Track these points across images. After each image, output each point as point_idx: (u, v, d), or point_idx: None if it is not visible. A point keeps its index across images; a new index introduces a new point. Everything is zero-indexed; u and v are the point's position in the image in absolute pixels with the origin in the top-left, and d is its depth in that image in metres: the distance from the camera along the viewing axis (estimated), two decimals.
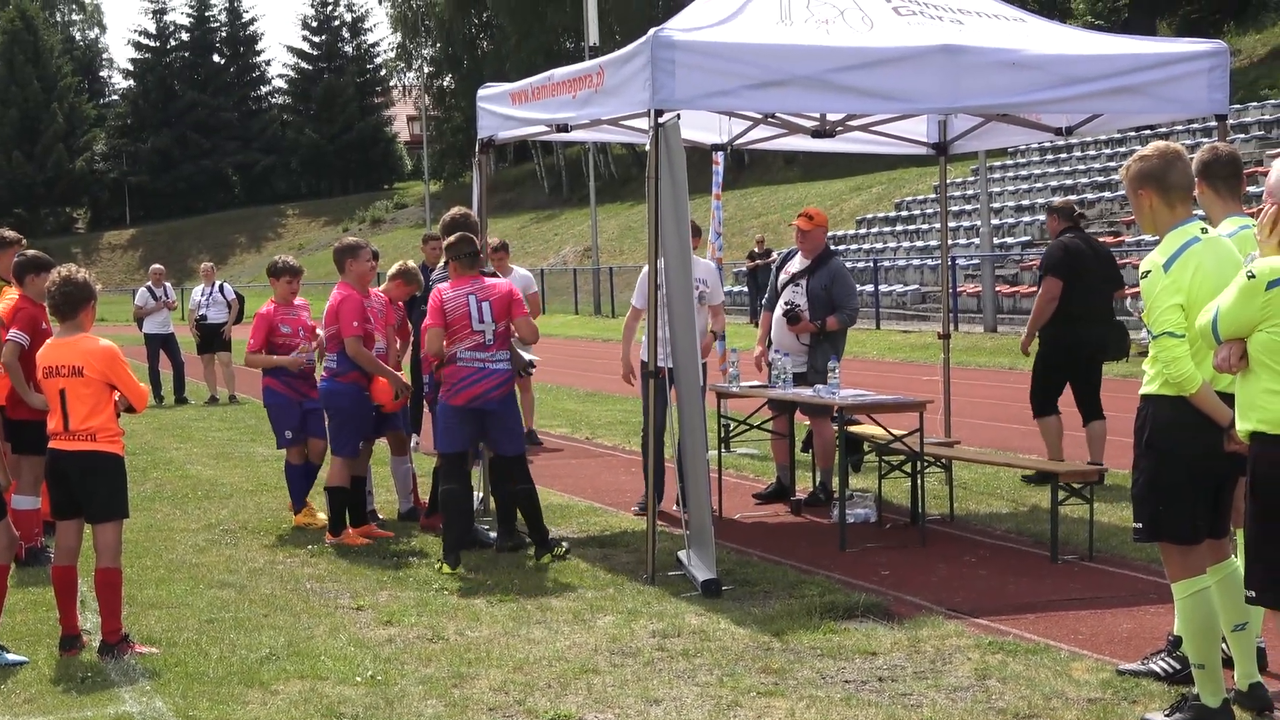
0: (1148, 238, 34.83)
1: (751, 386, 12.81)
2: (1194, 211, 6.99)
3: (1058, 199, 14.79)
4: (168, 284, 26.22)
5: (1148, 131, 40.43)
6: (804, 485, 13.55)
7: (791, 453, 13.38)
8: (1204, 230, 6.78)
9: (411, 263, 13.30)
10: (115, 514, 8.67)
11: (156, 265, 28.47)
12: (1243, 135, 39.72)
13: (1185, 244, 6.67)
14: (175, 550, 11.77)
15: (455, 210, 12.17)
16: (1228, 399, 6.47)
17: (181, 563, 11.28)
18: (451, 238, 11.25)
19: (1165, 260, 6.64)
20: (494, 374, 10.94)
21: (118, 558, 8.69)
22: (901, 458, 11.85)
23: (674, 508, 11.49)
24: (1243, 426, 6.16)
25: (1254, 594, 6.08)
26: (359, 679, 7.94)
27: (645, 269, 12.38)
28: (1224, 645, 7.00)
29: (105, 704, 7.67)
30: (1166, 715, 6.85)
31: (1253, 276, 6.05)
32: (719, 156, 18.57)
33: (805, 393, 12.21)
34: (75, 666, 8.38)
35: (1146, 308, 6.72)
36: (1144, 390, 6.85)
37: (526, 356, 13.65)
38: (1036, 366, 13.71)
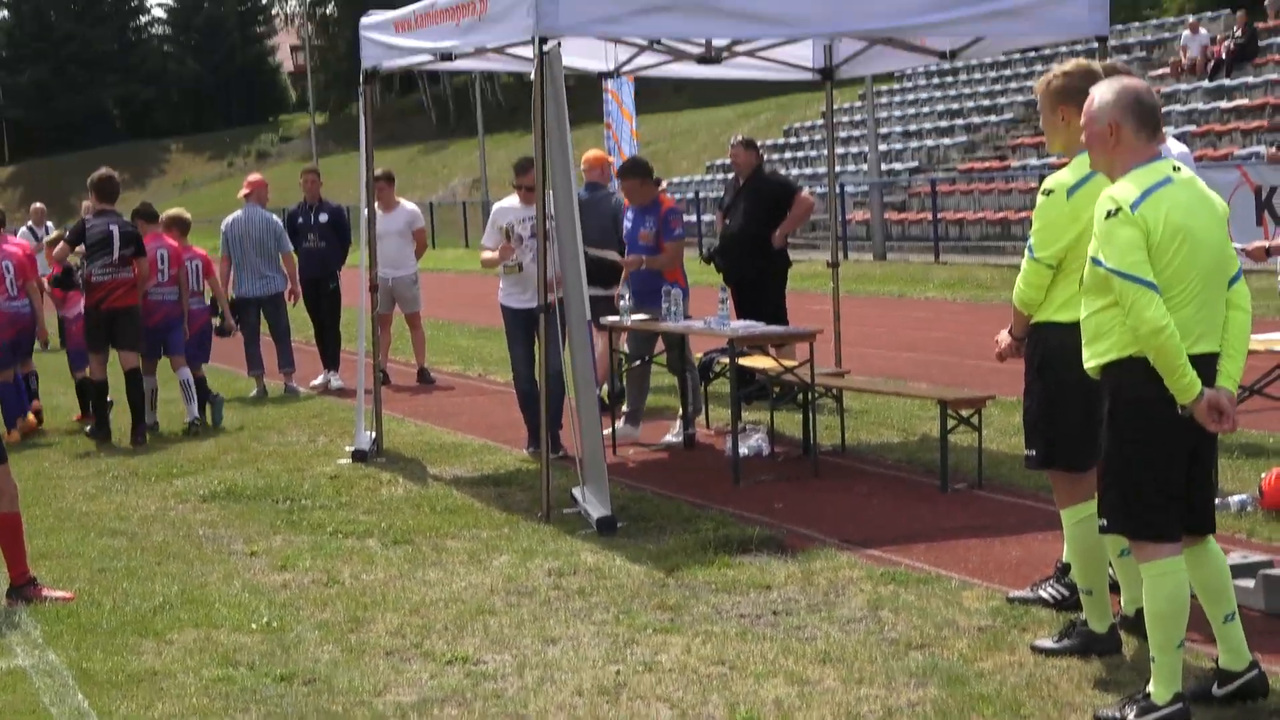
0: (1033, 161, 35.16)
1: (642, 320, 12.79)
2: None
3: (744, 135, 15.77)
4: (49, 223, 25.73)
5: (1032, 54, 40.83)
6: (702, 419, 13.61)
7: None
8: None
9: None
10: None
11: (37, 204, 27.95)
12: (1125, 56, 40.13)
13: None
14: (64, 498, 11.63)
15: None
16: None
17: (71, 511, 11.15)
18: None
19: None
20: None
21: (14, 502, 8.63)
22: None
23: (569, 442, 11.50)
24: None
25: (1105, 523, 6.11)
26: (254, 626, 7.89)
27: (496, 206, 12.48)
28: (1110, 571, 7.12)
29: None
30: (1055, 641, 6.95)
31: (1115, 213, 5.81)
32: (610, 84, 18.60)
33: (695, 324, 12.23)
34: None
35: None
36: (1036, 318, 6.91)
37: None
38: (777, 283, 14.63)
